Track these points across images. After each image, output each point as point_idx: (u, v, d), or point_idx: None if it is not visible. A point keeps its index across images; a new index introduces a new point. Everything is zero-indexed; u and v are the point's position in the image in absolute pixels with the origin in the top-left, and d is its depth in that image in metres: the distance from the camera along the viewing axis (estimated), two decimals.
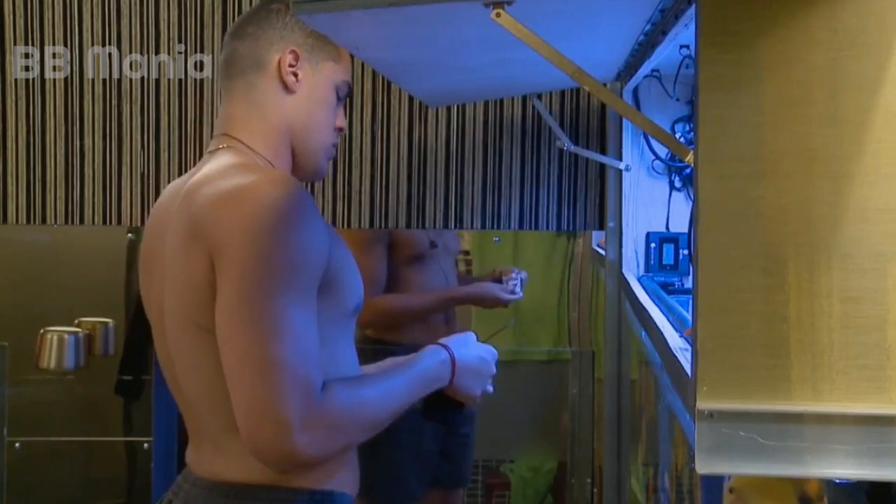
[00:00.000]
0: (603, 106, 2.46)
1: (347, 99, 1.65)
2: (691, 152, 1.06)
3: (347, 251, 1.51)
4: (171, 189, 1.56)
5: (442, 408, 1.57)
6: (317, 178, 1.64)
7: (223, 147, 1.51)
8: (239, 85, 1.53)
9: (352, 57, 1.62)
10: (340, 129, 1.60)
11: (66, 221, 2.49)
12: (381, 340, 2.87)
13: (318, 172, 1.61)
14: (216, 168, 1.46)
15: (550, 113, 2.45)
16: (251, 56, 1.52)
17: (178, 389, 1.51)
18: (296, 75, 1.52)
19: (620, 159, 2.38)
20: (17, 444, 3.26)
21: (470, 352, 1.61)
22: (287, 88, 1.52)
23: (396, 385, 1.48)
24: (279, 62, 1.51)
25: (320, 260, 1.38)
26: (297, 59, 1.52)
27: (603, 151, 2.46)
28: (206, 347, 1.38)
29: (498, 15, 1.12)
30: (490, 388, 1.67)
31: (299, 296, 1.33)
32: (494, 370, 1.66)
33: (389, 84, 2.44)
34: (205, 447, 1.49)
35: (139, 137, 2.45)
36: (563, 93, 2.47)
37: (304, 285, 1.35)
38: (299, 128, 1.54)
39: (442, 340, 1.60)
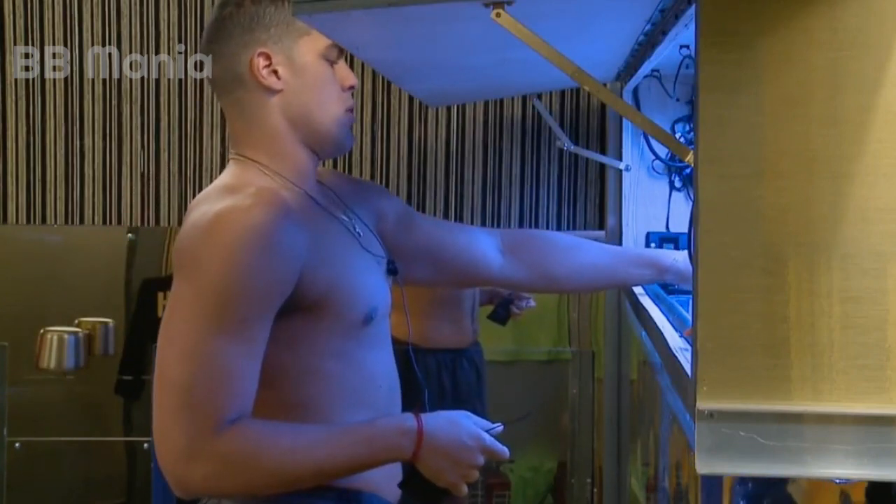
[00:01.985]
0: (603, 106, 2.46)
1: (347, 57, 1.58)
2: (691, 152, 1.06)
3: (350, 259, 1.48)
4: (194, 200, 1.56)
5: (420, 492, 1.43)
6: (344, 151, 1.58)
7: (231, 160, 1.51)
8: (230, 104, 1.50)
9: (350, 56, 1.60)
10: (352, 87, 1.52)
11: (66, 221, 2.49)
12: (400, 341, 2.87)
13: (342, 146, 1.55)
14: (209, 189, 1.47)
15: (550, 113, 2.45)
16: (227, 74, 1.48)
17: None
18: (276, 73, 1.46)
19: (620, 159, 2.38)
20: (17, 444, 3.26)
21: (450, 431, 1.42)
22: (272, 90, 1.47)
23: (328, 441, 1.36)
24: (252, 70, 1.46)
25: (273, 288, 1.34)
26: (268, 58, 1.46)
27: (603, 151, 2.46)
28: None
29: (498, 15, 1.11)
30: (474, 476, 1.44)
31: (230, 326, 1.31)
32: (480, 461, 1.44)
33: (389, 84, 2.44)
34: None
35: (139, 137, 2.45)
36: (563, 93, 2.47)
37: (242, 316, 1.32)
38: (301, 119, 1.49)
39: (425, 415, 1.43)
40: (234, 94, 1.49)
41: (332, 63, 1.49)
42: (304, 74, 1.47)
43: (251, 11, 1.47)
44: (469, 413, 1.48)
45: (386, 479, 1.51)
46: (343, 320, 1.43)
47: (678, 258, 1.81)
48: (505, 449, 1.48)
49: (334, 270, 1.42)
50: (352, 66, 1.61)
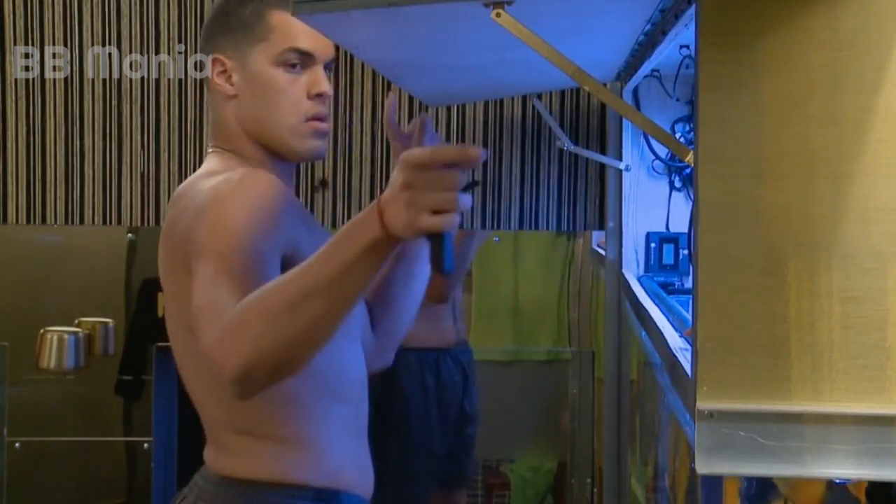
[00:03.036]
0: (603, 106, 2.46)
1: (331, 66, 1.57)
2: (691, 152, 1.06)
3: None
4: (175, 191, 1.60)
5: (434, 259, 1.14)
6: (307, 159, 1.56)
7: (209, 151, 1.58)
8: (207, 96, 1.60)
9: (341, 51, 1.61)
10: (319, 95, 1.50)
11: (66, 221, 2.49)
12: None
13: (299, 154, 1.53)
14: (194, 177, 1.53)
15: (550, 113, 2.45)
16: (206, 76, 1.57)
17: (190, 390, 1.54)
18: (230, 80, 1.52)
19: (620, 159, 2.38)
20: (17, 444, 3.26)
21: (407, 183, 1.10)
22: (225, 94, 1.53)
23: (306, 264, 1.20)
24: (211, 74, 1.54)
25: (270, 257, 1.35)
26: (222, 64, 1.52)
27: (603, 151, 2.46)
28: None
29: (498, 15, 1.11)
30: (450, 200, 1.09)
31: (237, 269, 1.30)
32: (452, 178, 1.09)
33: (389, 84, 2.44)
34: (214, 444, 1.51)
35: (139, 137, 2.45)
36: (563, 93, 2.47)
37: (244, 260, 1.32)
38: (252, 126, 1.52)
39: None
40: (209, 93, 1.58)
41: (294, 70, 1.49)
42: (253, 82, 1.51)
43: (220, 16, 1.54)
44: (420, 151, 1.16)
45: (361, 479, 1.52)
46: None
47: None
48: (477, 152, 1.10)
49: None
50: (351, 67, 1.61)
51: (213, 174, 1.47)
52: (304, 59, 1.50)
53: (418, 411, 2.88)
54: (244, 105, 1.52)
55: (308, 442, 1.48)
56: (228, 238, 1.33)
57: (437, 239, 1.11)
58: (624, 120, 2.38)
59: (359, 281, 1.16)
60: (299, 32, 1.50)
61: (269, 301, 1.19)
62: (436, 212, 1.09)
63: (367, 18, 1.23)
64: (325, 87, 1.51)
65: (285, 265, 1.35)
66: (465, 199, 1.10)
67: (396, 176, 1.11)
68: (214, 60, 1.52)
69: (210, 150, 1.58)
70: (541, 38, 1.13)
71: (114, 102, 2.45)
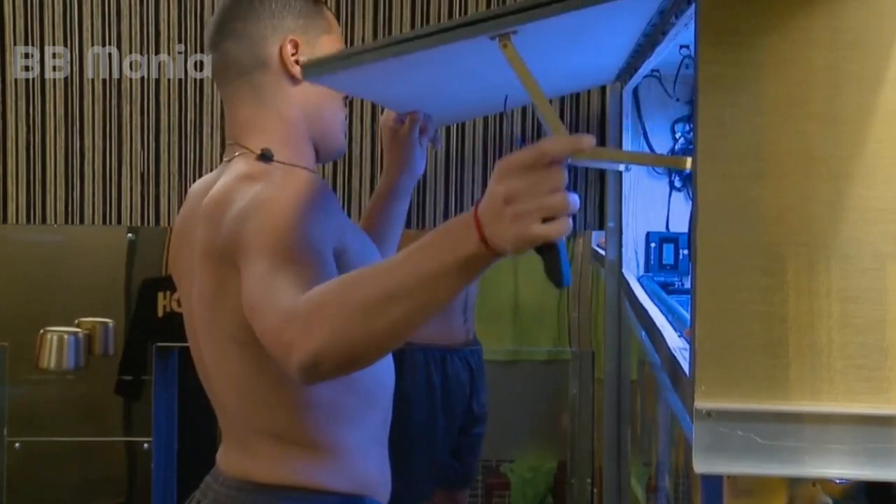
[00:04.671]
0: (603, 107, 2.46)
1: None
2: (689, 159, 1.06)
3: (369, 248, 1.50)
4: (196, 192, 1.53)
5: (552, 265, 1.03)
6: (339, 156, 1.61)
7: (238, 155, 1.48)
8: (242, 87, 1.48)
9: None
10: (346, 97, 1.57)
11: (66, 221, 2.49)
12: None
13: (341, 150, 1.58)
14: (230, 182, 1.43)
15: None
16: (248, 55, 1.46)
17: (212, 390, 1.52)
18: (299, 63, 1.47)
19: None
20: (16, 445, 3.26)
21: (509, 193, 1.01)
22: (294, 78, 1.47)
23: (388, 262, 1.15)
24: (280, 55, 1.46)
25: (324, 250, 1.34)
26: (296, 46, 1.47)
27: None
28: (243, 359, 1.39)
29: (505, 46, 1.07)
30: (559, 202, 0.99)
31: (302, 258, 1.29)
32: (558, 178, 0.99)
33: None
34: (235, 448, 1.49)
35: (139, 137, 2.45)
36: (562, 96, 2.47)
37: (306, 246, 1.30)
38: (314, 114, 1.50)
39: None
40: (251, 77, 1.47)
41: None
42: None
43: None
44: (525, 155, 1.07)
45: (384, 485, 1.51)
46: None
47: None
48: (586, 138, 1.00)
49: (366, 250, 1.45)
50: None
51: (251, 178, 1.42)
52: None
53: (423, 409, 2.88)
54: (308, 93, 1.49)
55: (338, 448, 1.46)
56: (282, 234, 1.30)
57: (551, 250, 1.00)
58: (624, 121, 2.38)
59: (448, 292, 1.09)
60: (341, 34, 1.57)
61: (349, 294, 1.13)
62: (546, 218, 0.98)
63: (374, 69, 1.22)
64: None
65: (336, 260, 1.34)
66: (575, 199, 0.98)
67: (494, 188, 1.01)
68: (292, 42, 1.47)
69: (238, 153, 1.49)
70: (535, 78, 1.08)
71: (114, 102, 2.45)
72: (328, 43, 1.51)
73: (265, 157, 1.45)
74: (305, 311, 1.15)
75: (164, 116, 2.45)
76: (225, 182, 1.44)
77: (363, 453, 1.50)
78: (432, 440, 2.83)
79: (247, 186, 1.39)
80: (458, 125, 2.47)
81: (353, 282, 1.14)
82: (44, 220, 2.49)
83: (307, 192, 1.37)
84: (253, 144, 1.47)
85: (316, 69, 1.26)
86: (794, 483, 1.09)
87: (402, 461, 2.78)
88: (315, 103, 1.50)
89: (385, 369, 1.53)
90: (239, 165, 1.47)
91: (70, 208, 2.47)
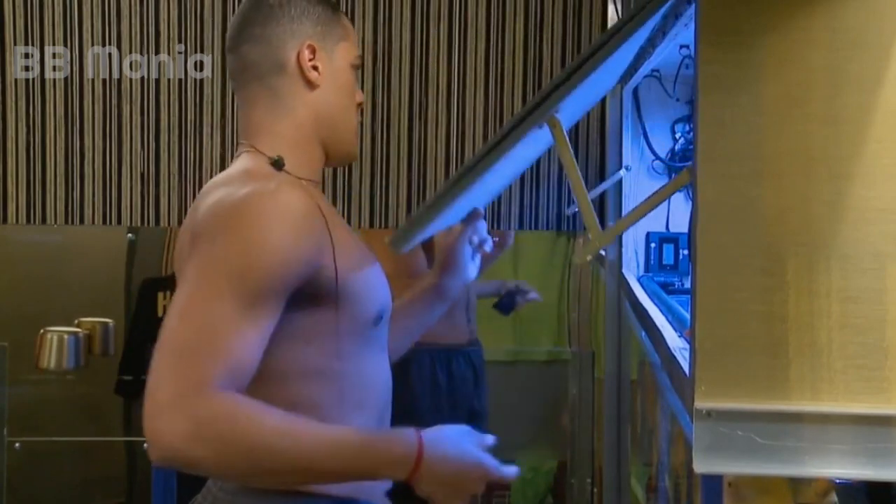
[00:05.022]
0: (603, 107, 2.47)
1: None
2: (687, 172, 1.07)
3: (367, 261, 1.48)
4: (204, 189, 1.53)
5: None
6: (351, 161, 1.61)
7: (244, 152, 1.50)
8: (258, 90, 1.48)
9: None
10: (360, 105, 1.57)
11: (66, 221, 2.49)
12: None
13: (353, 155, 1.58)
14: (225, 174, 1.46)
15: None
16: (266, 59, 1.47)
17: None
18: (316, 68, 1.48)
19: (620, 160, 2.38)
20: (16, 445, 3.26)
21: (452, 457, 1.33)
22: (310, 84, 1.48)
23: (318, 438, 1.27)
24: (298, 60, 1.47)
25: (288, 271, 1.33)
26: (313, 51, 1.48)
27: (603, 152, 2.46)
28: None
29: (554, 126, 1.21)
30: (468, 500, 1.36)
31: (241, 297, 1.28)
32: (480, 489, 1.36)
33: (390, 83, 2.45)
34: None
35: (139, 137, 2.45)
36: None
37: (255, 289, 1.30)
38: (327, 120, 1.50)
39: (429, 431, 1.33)
40: (267, 81, 1.48)
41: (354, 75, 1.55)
42: (338, 77, 1.51)
43: (307, 3, 1.50)
44: (470, 430, 1.39)
45: (379, 488, 1.50)
46: (355, 319, 1.43)
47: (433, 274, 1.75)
48: (512, 469, 1.39)
49: (350, 264, 1.42)
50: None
51: (246, 176, 1.42)
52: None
53: (429, 408, 2.88)
54: (323, 99, 1.49)
55: None
56: (252, 259, 1.30)
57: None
58: (624, 120, 2.38)
59: (345, 483, 1.34)
60: (357, 42, 1.58)
61: (257, 435, 1.24)
62: None
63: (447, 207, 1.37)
64: (363, 96, 1.60)
65: (311, 281, 1.36)
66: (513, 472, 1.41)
67: (468, 472, 1.35)
68: (309, 47, 1.47)
69: (246, 150, 1.49)
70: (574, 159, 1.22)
71: (114, 102, 2.45)
72: (345, 50, 1.52)
73: (277, 163, 1.45)
74: (200, 416, 1.22)
75: (163, 116, 2.45)
76: (222, 174, 1.47)
77: None
78: None
79: (237, 183, 1.40)
80: (457, 121, 2.47)
81: (266, 425, 1.25)
82: (44, 220, 2.49)
83: (289, 211, 1.34)
84: (262, 145, 1.48)
85: (402, 242, 1.41)
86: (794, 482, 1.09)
87: None
88: (329, 109, 1.50)
89: (377, 371, 1.51)
90: (240, 161, 1.48)
91: (70, 208, 2.47)
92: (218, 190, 1.41)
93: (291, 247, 1.33)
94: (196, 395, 1.22)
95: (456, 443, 1.35)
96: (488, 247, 1.77)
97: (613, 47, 1.21)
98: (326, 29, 1.50)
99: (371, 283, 1.47)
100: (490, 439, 1.41)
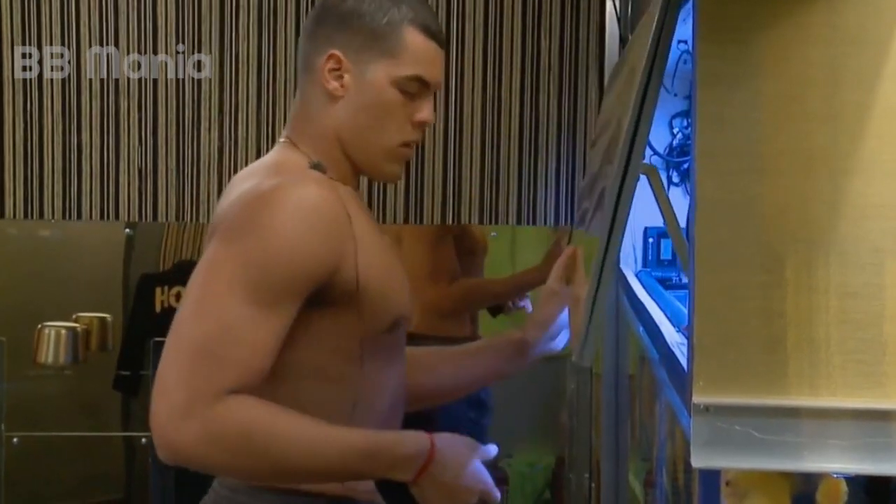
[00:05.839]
0: (599, 102, 2.47)
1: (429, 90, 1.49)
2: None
3: (391, 267, 1.46)
4: (235, 178, 1.53)
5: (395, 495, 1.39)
6: (384, 181, 1.57)
7: (280, 142, 1.48)
8: (302, 85, 1.47)
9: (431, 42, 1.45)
10: (422, 124, 1.46)
11: (64, 216, 2.49)
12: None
13: (382, 175, 1.51)
14: (257, 165, 1.45)
15: (547, 111, 2.45)
16: (303, 56, 1.46)
17: None
18: (341, 79, 1.42)
19: None
20: (14, 440, 3.26)
21: (456, 465, 1.37)
22: (330, 94, 1.43)
23: (329, 439, 1.30)
24: (320, 66, 1.42)
25: (307, 271, 1.32)
26: (339, 63, 1.42)
27: None
28: None
29: (651, 173, 1.19)
30: None
31: (259, 296, 1.28)
32: (472, 500, 1.39)
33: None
34: None
35: (137, 133, 2.45)
36: (559, 89, 2.47)
37: (274, 288, 1.29)
38: (349, 135, 1.44)
39: (440, 436, 1.37)
40: (302, 77, 1.47)
41: (408, 94, 1.44)
42: (368, 93, 1.43)
43: (349, 10, 1.43)
44: (475, 443, 1.42)
45: (374, 488, 1.49)
46: (371, 322, 1.40)
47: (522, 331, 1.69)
48: (498, 494, 1.44)
49: (372, 267, 1.39)
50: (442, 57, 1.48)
51: (280, 170, 1.40)
52: (421, 88, 1.45)
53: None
54: (348, 111, 1.43)
55: None
56: (271, 257, 1.29)
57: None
58: None
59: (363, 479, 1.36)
60: (429, 60, 1.44)
61: (271, 438, 1.26)
62: None
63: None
64: (432, 116, 1.47)
65: (328, 284, 1.34)
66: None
67: (467, 483, 1.37)
68: (330, 56, 1.41)
69: (282, 140, 1.47)
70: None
71: (111, 98, 2.45)
72: (386, 68, 1.42)
73: (317, 167, 1.42)
74: (214, 424, 1.23)
75: (161, 112, 2.45)
76: (255, 164, 1.47)
77: None
78: (444, 429, 2.84)
79: (263, 175, 1.38)
80: (455, 114, 2.47)
81: (281, 429, 1.27)
82: (41, 215, 2.49)
83: (312, 209, 1.32)
84: (297, 139, 1.46)
85: (586, 349, 1.37)
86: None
87: None
88: (351, 124, 1.44)
89: (386, 377, 1.48)
90: (274, 153, 1.47)
91: (68, 203, 2.47)
92: (245, 181, 1.40)
93: (312, 246, 1.32)
94: (211, 400, 1.23)
95: (462, 452, 1.38)
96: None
97: (657, 82, 1.21)
98: (367, 41, 1.42)
99: (391, 290, 1.44)
100: (493, 451, 1.42)
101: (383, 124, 1.44)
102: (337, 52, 1.42)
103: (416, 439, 1.35)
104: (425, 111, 1.45)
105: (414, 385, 1.60)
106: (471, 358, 1.71)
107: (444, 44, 1.49)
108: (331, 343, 1.39)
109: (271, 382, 1.32)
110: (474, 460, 1.39)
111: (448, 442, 1.37)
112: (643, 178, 2.32)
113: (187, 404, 1.22)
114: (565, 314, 1.67)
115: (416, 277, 2.79)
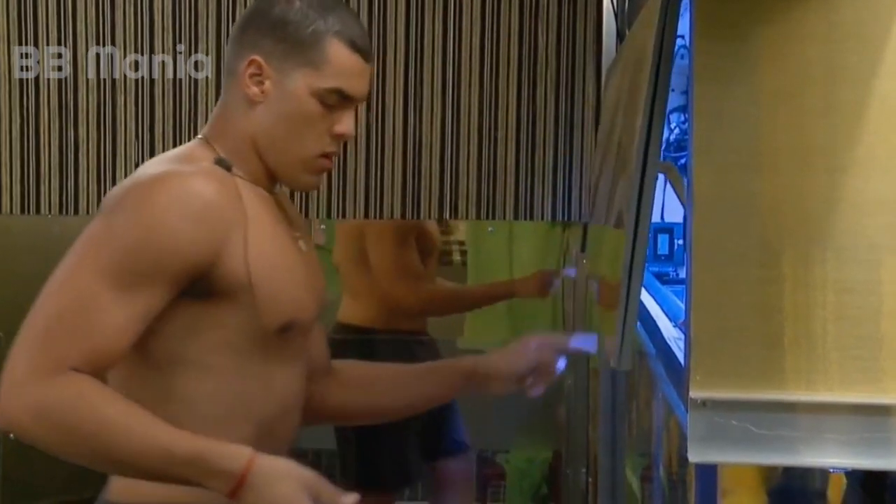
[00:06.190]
0: (598, 95, 2.47)
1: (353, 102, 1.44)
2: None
3: (289, 265, 1.43)
4: None
5: None
6: (302, 190, 1.55)
7: (196, 139, 1.48)
8: (224, 86, 1.47)
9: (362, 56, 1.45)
10: (340, 136, 1.45)
11: (61, 211, 2.49)
12: (375, 330, 2.87)
13: (299, 185, 1.51)
14: (164, 154, 1.46)
15: (545, 105, 2.45)
16: (228, 60, 1.46)
17: None
18: (261, 86, 1.41)
19: None
20: (11, 435, 3.25)
21: (271, 490, 1.27)
22: (249, 100, 1.42)
23: (150, 438, 1.26)
24: (243, 72, 1.42)
25: (176, 258, 1.30)
26: (259, 69, 1.41)
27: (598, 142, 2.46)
28: (122, 368, 1.37)
29: (669, 170, 1.19)
30: None
31: (121, 278, 1.27)
32: None
33: (385, 72, 2.44)
34: None
35: (134, 128, 2.45)
36: (557, 84, 2.47)
37: (136, 271, 1.28)
38: (265, 141, 1.43)
39: (263, 457, 1.28)
40: (226, 81, 1.47)
41: (328, 106, 1.43)
42: (288, 101, 1.42)
43: (276, 18, 1.42)
44: (303, 472, 1.31)
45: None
46: (257, 321, 1.38)
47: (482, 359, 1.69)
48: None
49: (266, 266, 1.38)
50: (369, 68, 1.48)
51: (179, 160, 1.40)
52: (343, 101, 1.44)
53: None
54: (265, 118, 1.42)
55: None
56: (140, 240, 1.30)
57: None
58: None
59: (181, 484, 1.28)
60: (351, 74, 1.43)
61: (94, 423, 1.24)
62: None
63: None
64: (352, 129, 1.46)
65: (202, 277, 1.33)
66: None
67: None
68: (251, 62, 1.41)
69: (199, 137, 1.48)
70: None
71: (108, 94, 2.44)
72: (307, 78, 1.41)
73: (222, 163, 1.41)
74: (48, 399, 1.23)
75: (158, 107, 2.44)
76: (163, 154, 1.47)
77: None
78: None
79: (159, 163, 1.39)
80: (452, 107, 2.47)
81: (105, 422, 1.25)
82: (38, 210, 2.49)
83: (195, 198, 1.32)
84: (212, 137, 1.46)
85: (624, 354, 1.35)
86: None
87: (377, 444, 2.77)
88: (269, 131, 1.43)
89: (279, 387, 1.44)
90: (184, 146, 1.48)
91: (64, 198, 2.47)
92: (145, 168, 1.40)
93: (184, 234, 1.31)
94: (49, 375, 1.24)
95: (281, 479, 1.28)
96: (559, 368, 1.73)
97: (665, 80, 1.21)
98: (293, 50, 1.41)
99: (285, 291, 1.41)
100: (327, 489, 1.32)
101: (301, 134, 1.43)
102: (258, 58, 1.41)
103: (235, 455, 1.28)
104: (345, 124, 1.44)
105: (347, 401, 1.61)
106: (413, 379, 1.69)
107: (371, 58, 1.47)
108: (214, 336, 1.37)
109: (148, 370, 1.33)
110: (294, 489, 1.28)
111: (270, 464, 1.28)
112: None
113: (25, 375, 1.24)
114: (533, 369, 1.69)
115: (382, 273, 2.78)
